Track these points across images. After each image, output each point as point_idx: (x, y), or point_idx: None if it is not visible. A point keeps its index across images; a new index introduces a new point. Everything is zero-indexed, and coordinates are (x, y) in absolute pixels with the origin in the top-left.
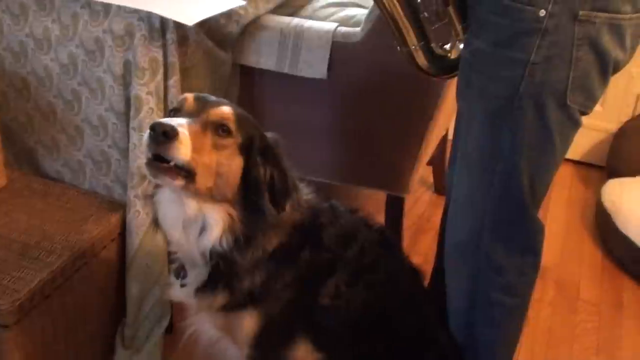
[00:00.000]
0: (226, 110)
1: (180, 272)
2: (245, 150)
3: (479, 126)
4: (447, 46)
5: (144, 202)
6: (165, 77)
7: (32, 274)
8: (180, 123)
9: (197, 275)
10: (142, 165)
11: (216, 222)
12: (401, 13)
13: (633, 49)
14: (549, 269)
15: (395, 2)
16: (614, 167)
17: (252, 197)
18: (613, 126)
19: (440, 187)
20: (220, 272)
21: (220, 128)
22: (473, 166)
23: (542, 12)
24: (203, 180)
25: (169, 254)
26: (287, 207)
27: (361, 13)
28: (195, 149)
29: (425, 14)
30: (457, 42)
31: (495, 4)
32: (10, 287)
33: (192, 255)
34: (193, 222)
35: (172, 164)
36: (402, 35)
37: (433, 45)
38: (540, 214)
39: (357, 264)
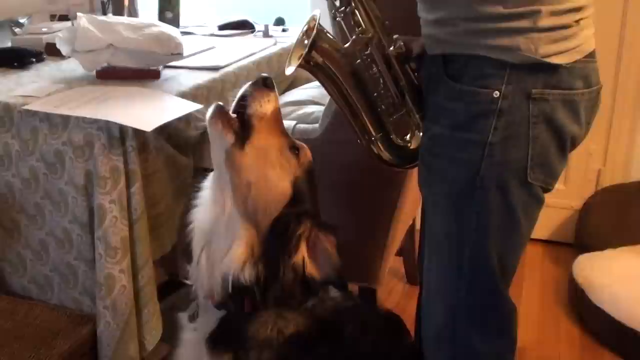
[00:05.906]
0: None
1: (195, 316)
2: (296, 194)
3: (444, 211)
4: (407, 136)
5: (113, 312)
6: (128, 185)
7: None
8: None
9: (207, 321)
10: (109, 275)
11: (241, 239)
12: (358, 107)
13: (589, 124)
14: (528, 350)
15: (352, 96)
16: (582, 243)
17: (274, 253)
18: (577, 203)
19: (412, 277)
20: (229, 329)
21: (294, 146)
22: (441, 252)
23: (496, 94)
24: (249, 160)
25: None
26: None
27: (318, 110)
28: (269, 126)
29: (383, 107)
30: (416, 131)
31: (450, 89)
32: None
33: (212, 283)
34: (223, 233)
35: (244, 110)
36: (361, 128)
37: (393, 136)
38: (514, 296)
39: (373, 356)
